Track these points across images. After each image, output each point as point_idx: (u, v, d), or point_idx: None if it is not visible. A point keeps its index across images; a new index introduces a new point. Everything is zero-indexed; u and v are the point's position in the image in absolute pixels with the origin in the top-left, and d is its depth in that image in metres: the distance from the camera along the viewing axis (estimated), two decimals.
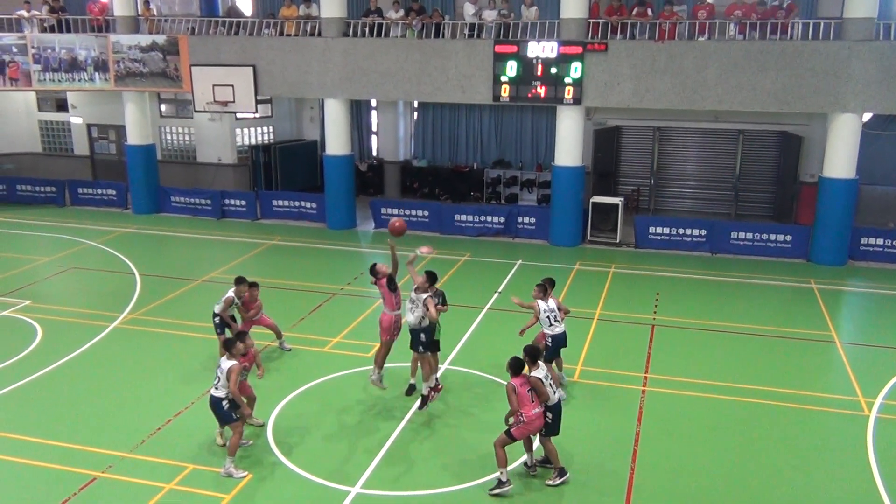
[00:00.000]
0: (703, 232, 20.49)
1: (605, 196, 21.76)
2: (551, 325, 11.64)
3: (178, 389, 12.11)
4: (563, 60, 19.61)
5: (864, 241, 19.63)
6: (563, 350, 11.97)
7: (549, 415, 9.61)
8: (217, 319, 12.58)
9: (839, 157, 18.87)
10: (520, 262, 19.27)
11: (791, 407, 11.81)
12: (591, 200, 21.26)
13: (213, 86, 22.23)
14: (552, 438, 9.73)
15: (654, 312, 15.86)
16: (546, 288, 11.82)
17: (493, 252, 20.05)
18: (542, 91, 19.94)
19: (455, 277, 17.08)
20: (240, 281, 12.76)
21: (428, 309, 10.99)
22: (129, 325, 14.74)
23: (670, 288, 17.52)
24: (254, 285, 12.98)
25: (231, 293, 12.59)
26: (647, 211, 24.28)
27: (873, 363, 13.43)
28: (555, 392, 9.70)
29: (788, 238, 20.00)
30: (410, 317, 11.20)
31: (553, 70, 19.70)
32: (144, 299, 16.28)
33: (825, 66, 18.19)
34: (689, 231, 20.63)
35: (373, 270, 11.73)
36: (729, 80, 18.78)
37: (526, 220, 21.74)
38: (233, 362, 9.65)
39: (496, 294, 16.78)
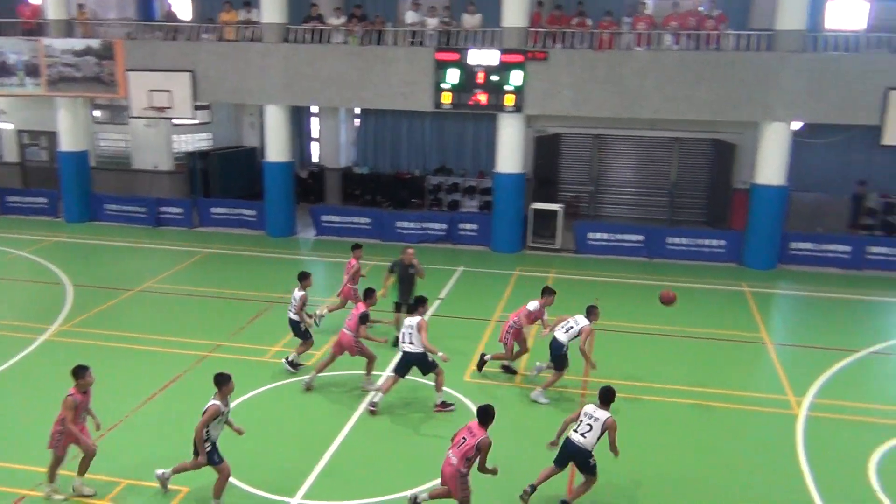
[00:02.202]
0: (641, 237, 20.89)
1: (546, 202, 22.00)
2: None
3: (112, 404, 11.75)
4: (505, 68, 19.79)
5: (793, 245, 20.28)
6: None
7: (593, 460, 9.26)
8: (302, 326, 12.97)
9: (770, 165, 19.47)
10: (461, 268, 19.35)
11: (724, 407, 12.11)
12: (532, 207, 21.47)
13: (150, 91, 21.77)
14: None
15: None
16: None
17: (434, 259, 20.05)
18: (483, 98, 20.08)
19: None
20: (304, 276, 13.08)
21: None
22: (59, 338, 14.29)
23: (609, 292, 17.78)
24: (356, 247, 14.73)
25: (301, 292, 12.84)
26: (586, 217, 24.63)
27: (803, 363, 13.86)
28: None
29: (722, 243, 20.54)
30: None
31: (494, 78, 19.86)
32: (76, 311, 15.80)
33: (757, 76, 18.75)
34: (626, 237, 21.01)
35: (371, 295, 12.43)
36: (665, 90, 19.20)
37: (467, 226, 21.85)
38: (215, 402, 8.97)
39: (438, 301, 16.80)
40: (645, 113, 19.73)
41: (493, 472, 8.77)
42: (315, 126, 27.37)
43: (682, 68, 19.05)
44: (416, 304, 11.92)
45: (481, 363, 13.07)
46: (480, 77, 19.92)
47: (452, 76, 20.06)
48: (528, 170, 22.17)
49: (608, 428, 9.11)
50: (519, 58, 19.68)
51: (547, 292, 12.95)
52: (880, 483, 9.99)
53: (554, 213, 21.24)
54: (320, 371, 12.37)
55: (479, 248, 21.45)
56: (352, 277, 14.53)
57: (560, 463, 9.37)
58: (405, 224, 22.01)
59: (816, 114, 19.07)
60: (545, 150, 24.48)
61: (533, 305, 12.79)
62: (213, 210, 23.40)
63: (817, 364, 13.75)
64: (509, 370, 13.17)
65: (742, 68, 18.81)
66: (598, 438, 9.13)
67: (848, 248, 20.10)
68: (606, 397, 9.28)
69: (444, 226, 21.78)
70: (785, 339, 15.28)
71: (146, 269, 18.98)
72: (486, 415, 8.68)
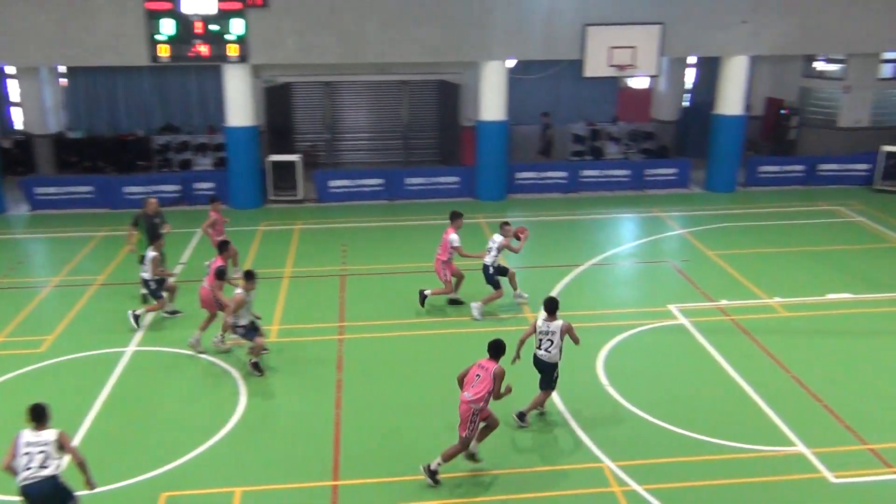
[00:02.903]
0: (381, 181, 21.38)
1: (283, 154, 21.66)
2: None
3: None
4: (224, 17, 18.93)
5: (518, 175, 21.88)
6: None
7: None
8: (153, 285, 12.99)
9: (491, 102, 20.69)
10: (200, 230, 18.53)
11: (469, 332, 12.90)
12: (269, 159, 21.04)
13: None
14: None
15: (343, 263, 16.31)
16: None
17: (171, 222, 18.96)
18: (204, 50, 19.09)
19: (131, 255, 15.83)
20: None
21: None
22: None
23: (355, 238, 18.08)
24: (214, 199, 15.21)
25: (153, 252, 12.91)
26: (326, 165, 24.64)
27: (535, 282, 15.08)
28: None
29: (456, 179, 21.63)
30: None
31: (214, 27, 18.93)
32: None
33: (472, 17, 19.70)
34: (367, 181, 21.39)
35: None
36: (388, 33, 19.54)
37: (203, 185, 20.94)
38: (57, 430, 7.67)
39: (181, 266, 16.05)
40: (369, 57, 19.96)
41: (508, 391, 9.05)
42: (14, 89, 24.40)
43: (401, 11, 19.46)
44: (247, 278, 11.27)
45: (422, 299, 13.65)
46: (199, 27, 18.88)
47: (167, 27, 18.81)
48: (261, 122, 21.61)
49: (566, 332, 9.84)
50: (237, 5, 18.90)
51: (455, 216, 13.64)
52: (607, 377, 11.34)
53: (292, 164, 20.99)
54: (204, 328, 12.21)
55: None
56: (215, 229, 14.84)
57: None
58: (134, 189, 20.51)
59: (526, 51, 20.48)
60: (277, 100, 23.99)
61: (454, 237, 13.40)
62: None
63: (548, 281, 15.12)
64: (456, 302, 13.97)
65: (458, 10, 19.63)
66: (561, 347, 9.88)
67: (565, 174, 22.07)
68: (551, 307, 9.92)
69: (178, 187, 20.66)
70: (519, 262, 16.53)
71: None
72: (496, 349, 8.91)
